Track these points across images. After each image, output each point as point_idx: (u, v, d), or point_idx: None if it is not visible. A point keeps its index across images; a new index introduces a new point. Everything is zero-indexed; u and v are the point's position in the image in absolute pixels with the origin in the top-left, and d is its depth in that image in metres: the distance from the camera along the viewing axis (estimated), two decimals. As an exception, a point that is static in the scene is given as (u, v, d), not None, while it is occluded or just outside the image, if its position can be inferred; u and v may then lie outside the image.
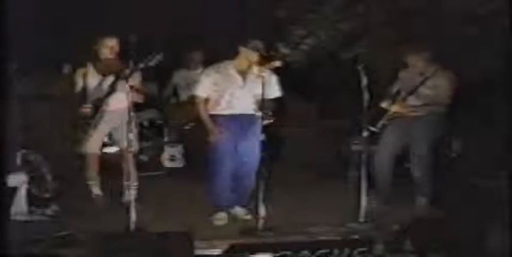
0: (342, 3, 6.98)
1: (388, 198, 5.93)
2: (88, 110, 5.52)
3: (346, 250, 4.11)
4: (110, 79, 5.57)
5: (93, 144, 5.68)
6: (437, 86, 5.83)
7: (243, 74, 5.38)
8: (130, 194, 5.42)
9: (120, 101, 5.45)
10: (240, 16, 7.98)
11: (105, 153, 6.00)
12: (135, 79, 5.45)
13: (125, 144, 5.35)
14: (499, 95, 5.73)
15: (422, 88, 5.86)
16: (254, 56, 5.28)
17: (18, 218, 5.03)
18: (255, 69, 5.33)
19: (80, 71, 5.69)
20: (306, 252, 4.06)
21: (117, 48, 5.63)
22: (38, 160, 5.56)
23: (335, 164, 7.34)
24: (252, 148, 5.30)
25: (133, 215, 4.69)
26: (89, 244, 4.19)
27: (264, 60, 5.32)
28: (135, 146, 5.58)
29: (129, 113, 5.26)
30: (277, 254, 3.99)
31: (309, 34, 7.17)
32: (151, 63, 5.08)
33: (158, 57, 5.07)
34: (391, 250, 4.36)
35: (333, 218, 5.34)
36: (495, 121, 5.93)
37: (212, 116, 5.39)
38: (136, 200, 5.37)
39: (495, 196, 5.47)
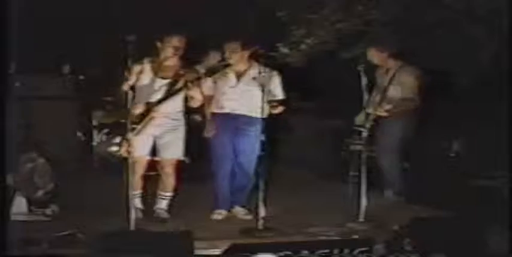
0: (342, 3, 6.97)
1: (400, 189, 6.01)
2: (138, 111, 5.01)
3: (346, 250, 4.11)
4: (165, 81, 5.19)
5: (140, 149, 5.00)
6: (402, 83, 5.89)
7: (239, 75, 5.46)
8: (162, 203, 5.40)
9: (171, 106, 5.22)
10: (240, 16, 7.99)
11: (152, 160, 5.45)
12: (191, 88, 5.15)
13: (168, 153, 5.34)
14: (498, 95, 5.74)
15: (390, 89, 5.93)
16: (235, 57, 5.36)
17: (18, 218, 5.04)
18: (252, 71, 5.42)
19: (135, 69, 5.07)
20: (306, 252, 4.05)
21: (182, 49, 5.23)
22: (39, 160, 5.54)
23: (335, 164, 7.34)
24: (248, 148, 5.37)
25: (133, 215, 4.68)
26: (89, 243, 4.19)
27: (255, 57, 5.38)
28: (181, 155, 5.39)
29: (179, 119, 5.30)
30: (277, 254, 3.98)
31: (309, 34, 7.16)
32: (210, 64, 5.08)
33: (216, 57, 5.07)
34: (391, 250, 4.36)
35: (333, 218, 5.34)
36: (495, 121, 5.93)
37: (211, 115, 5.51)
38: (168, 210, 5.41)
39: (495, 196, 5.48)
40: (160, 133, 5.28)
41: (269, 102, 5.24)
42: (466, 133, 7.00)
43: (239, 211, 5.56)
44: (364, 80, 5.34)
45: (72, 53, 8.03)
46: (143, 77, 5.16)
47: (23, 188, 5.32)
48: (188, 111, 5.48)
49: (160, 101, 5.13)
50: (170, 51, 5.20)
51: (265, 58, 5.44)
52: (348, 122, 6.99)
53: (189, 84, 5.09)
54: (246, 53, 5.42)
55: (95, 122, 7.71)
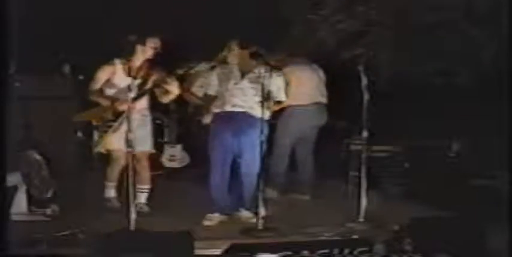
0: (342, 3, 6.98)
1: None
2: (116, 109, 5.30)
3: (346, 250, 4.11)
4: (137, 81, 5.26)
5: (118, 143, 5.24)
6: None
7: (244, 73, 5.40)
8: (141, 197, 5.51)
9: (140, 103, 5.43)
10: (240, 16, 7.99)
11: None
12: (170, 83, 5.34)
13: (141, 146, 5.41)
14: (498, 95, 5.74)
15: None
16: (234, 56, 5.42)
17: (18, 218, 5.03)
18: (257, 69, 5.36)
19: (107, 69, 5.48)
20: (306, 252, 4.06)
21: (158, 49, 5.44)
22: (39, 160, 5.54)
23: (335, 164, 7.33)
24: (251, 148, 5.28)
25: (133, 216, 4.68)
26: (89, 243, 4.19)
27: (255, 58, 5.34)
28: (152, 148, 5.62)
29: (147, 115, 5.49)
30: (277, 254, 3.99)
31: (309, 34, 7.17)
32: (192, 71, 5.12)
33: (204, 65, 5.13)
34: (391, 250, 4.36)
35: (333, 218, 5.34)
36: (495, 121, 5.93)
37: (213, 115, 5.45)
38: (147, 204, 5.54)
39: (495, 196, 5.48)
40: (131, 127, 5.33)
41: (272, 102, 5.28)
42: (466, 133, 7.00)
43: (245, 214, 5.44)
44: (364, 80, 5.33)
45: (72, 53, 8.02)
46: (116, 77, 5.41)
47: (23, 187, 5.33)
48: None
49: (135, 99, 5.22)
50: (150, 52, 5.41)
51: (263, 57, 5.38)
52: (348, 122, 7.01)
53: (168, 79, 5.26)
54: (246, 53, 5.37)
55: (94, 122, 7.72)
